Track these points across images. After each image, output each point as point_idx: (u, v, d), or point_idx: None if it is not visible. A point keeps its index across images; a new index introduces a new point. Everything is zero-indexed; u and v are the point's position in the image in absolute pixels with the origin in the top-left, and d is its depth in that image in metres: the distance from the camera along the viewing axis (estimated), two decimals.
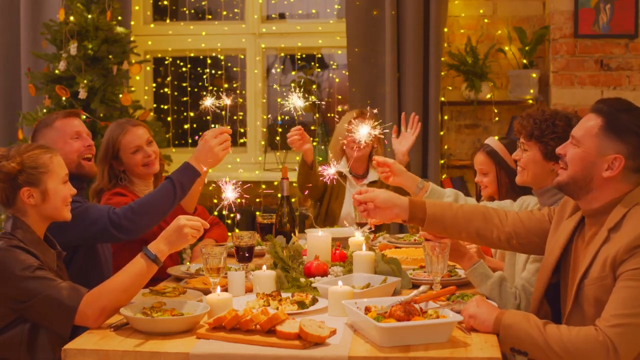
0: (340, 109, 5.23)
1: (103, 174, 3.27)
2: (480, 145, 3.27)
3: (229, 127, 2.98)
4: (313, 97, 3.12)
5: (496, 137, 3.26)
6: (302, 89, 2.94)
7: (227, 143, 2.91)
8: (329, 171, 2.93)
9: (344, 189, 4.07)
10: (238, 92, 5.42)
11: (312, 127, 5.36)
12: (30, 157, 2.39)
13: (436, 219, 2.41)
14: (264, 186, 5.20)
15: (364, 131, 2.88)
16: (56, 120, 2.97)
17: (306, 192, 3.98)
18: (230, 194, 2.51)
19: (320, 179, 3.43)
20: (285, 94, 5.44)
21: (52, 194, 2.40)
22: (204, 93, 5.37)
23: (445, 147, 5.08)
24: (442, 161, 4.95)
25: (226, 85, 5.40)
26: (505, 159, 3.11)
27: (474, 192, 3.82)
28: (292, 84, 5.37)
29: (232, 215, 5.18)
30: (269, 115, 5.43)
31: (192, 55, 5.42)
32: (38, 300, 2.21)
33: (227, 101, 2.88)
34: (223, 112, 2.88)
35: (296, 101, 3.05)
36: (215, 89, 5.41)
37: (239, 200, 2.53)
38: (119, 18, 4.77)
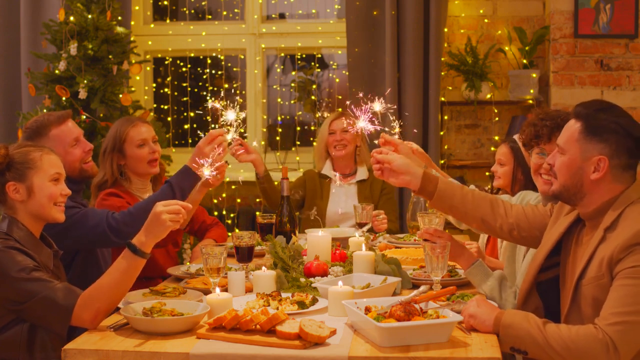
0: (340, 110, 5.23)
1: (106, 167, 3.22)
2: (507, 139, 3.28)
3: (225, 129, 2.96)
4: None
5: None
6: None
7: (222, 146, 2.88)
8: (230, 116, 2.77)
9: (328, 188, 4.10)
10: (238, 92, 5.42)
11: (312, 127, 5.36)
12: (19, 153, 2.41)
13: (445, 195, 2.42)
14: None
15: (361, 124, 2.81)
16: (51, 129, 2.94)
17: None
18: (206, 171, 2.47)
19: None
20: (286, 94, 5.45)
21: (38, 190, 2.40)
22: (204, 93, 5.38)
23: (445, 147, 5.08)
24: (442, 161, 4.95)
25: (226, 86, 5.40)
26: (525, 158, 3.12)
27: None
28: (292, 84, 5.38)
29: (232, 215, 5.19)
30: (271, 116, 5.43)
31: (192, 55, 5.41)
32: (34, 301, 2.21)
33: (230, 116, 2.89)
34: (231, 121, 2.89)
35: (229, 115, 2.93)
36: (216, 88, 5.41)
37: (239, 201, 2.52)
38: (119, 18, 4.77)
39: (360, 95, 2.71)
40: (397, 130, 2.89)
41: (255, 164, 3.67)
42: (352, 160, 4.15)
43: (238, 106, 2.93)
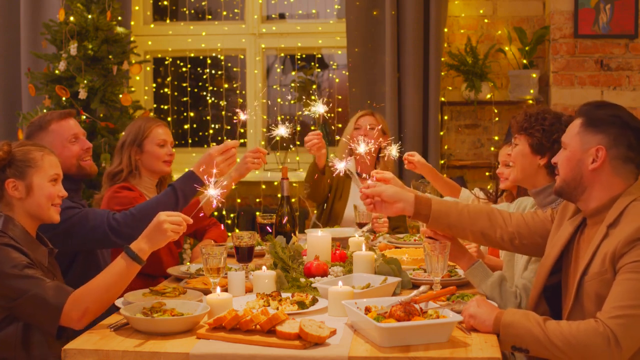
0: (340, 110, 5.23)
1: (123, 158, 3.27)
2: (507, 140, 3.29)
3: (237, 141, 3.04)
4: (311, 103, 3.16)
5: None
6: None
7: (233, 158, 2.93)
8: (339, 165, 2.89)
9: (348, 190, 4.08)
10: (238, 92, 5.42)
11: (312, 127, 5.36)
12: (21, 151, 2.42)
13: (441, 216, 2.42)
14: (264, 186, 5.21)
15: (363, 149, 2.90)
16: (51, 123, 2.94)
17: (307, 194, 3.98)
18: (212, 191, 2.48)
19: (331, 169, 3.45)
20: (286, 94, 5.45)
21: (37, 189, 2.41)
22: (204, 93, 5.38)
23: (445, 147, 5.08)
24: (442, 161, 4.95)
25: (226, 85, 5.40)
26: None
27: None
28: (292, 84, 5.38)
29: (232, 215, 5.19)
30: (274, 115, 5.43)
31: (192, 55, 5.42)
32: (25, 299, 2.22)
33: (243, 117, 2.96)
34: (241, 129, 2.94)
35: (318, 108, 3.11)
36: (216, 88, 5.41)
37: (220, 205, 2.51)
38: (119, 18, 4.77)
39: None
40: (395, 152, 2.93)
41: (322, 158, 3.90)
42: (373, 163, 4.12)
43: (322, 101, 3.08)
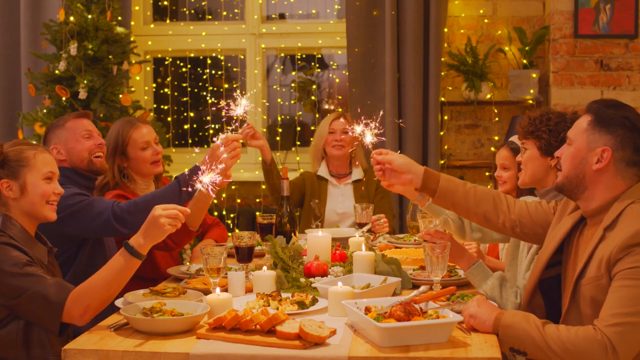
0: (340, 110, 5.23)
1: (109, 169, 3.25)
2: (505, 142, 3.29)
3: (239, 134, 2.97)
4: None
5: None
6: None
7: (236, 152, 2.89)
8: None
9: (326, 189, 4.11)
10: (238, 92, 5.41)
11: (312, 127, 5.36)
12: (13, 151, 2.42)
13: (448, 193, 2.42)
14: (264, 186, 5.20)
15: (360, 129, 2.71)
16: (68, 121, 3.04)
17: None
18: (205, 178, 2.46)
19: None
20: (286, 94, 5.45)
21: (31, 188, 2.41)
22: (204, 93, 5.38)
23: (445, 147, 5.08)
24: (442, 161, 4.95)
25: (226, 86, 5.40)
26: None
27: None
28: (292, 84, 5.38)
29: (232, 215, 5.19)
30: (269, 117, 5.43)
31: (192, 55, 5.42)
32: (26, 297, 2.22)
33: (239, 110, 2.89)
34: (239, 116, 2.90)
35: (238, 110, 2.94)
36: (216, 88, 5.41)
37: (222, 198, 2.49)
38: (119, 18, 4.77)
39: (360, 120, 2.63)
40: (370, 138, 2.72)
41: (262, 150, 3.78)
42: (347, 162, 4.16)
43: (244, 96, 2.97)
